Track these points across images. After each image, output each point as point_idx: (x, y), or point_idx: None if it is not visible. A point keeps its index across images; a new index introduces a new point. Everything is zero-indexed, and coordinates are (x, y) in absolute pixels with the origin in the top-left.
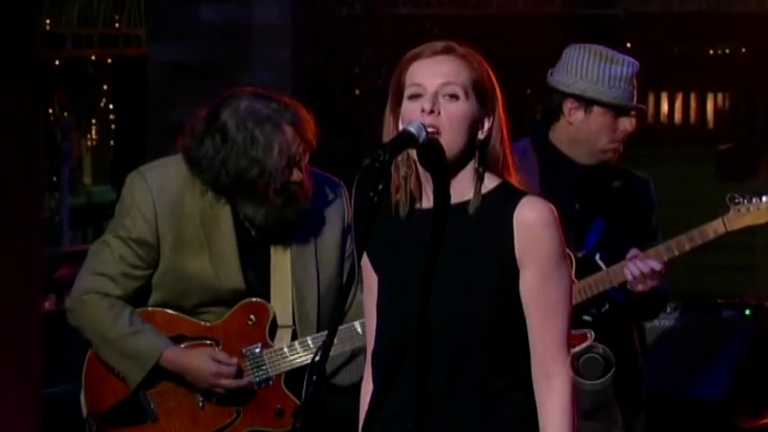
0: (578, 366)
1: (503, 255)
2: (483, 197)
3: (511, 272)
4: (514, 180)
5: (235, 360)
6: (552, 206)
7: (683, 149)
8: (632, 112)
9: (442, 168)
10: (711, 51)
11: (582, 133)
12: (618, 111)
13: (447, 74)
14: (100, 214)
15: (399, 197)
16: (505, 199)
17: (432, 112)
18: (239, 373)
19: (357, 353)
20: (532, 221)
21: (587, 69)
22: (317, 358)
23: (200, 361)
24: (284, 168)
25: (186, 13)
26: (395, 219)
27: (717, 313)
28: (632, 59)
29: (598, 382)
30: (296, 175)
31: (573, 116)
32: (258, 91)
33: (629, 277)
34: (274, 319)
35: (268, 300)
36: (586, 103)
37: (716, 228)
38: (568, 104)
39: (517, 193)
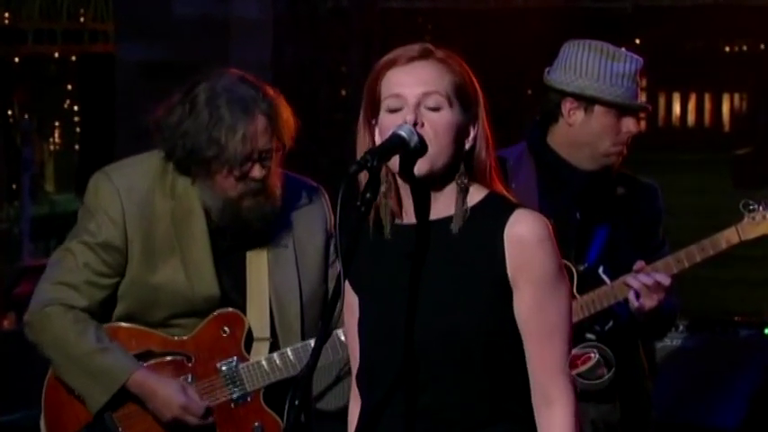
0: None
1: (493, 273)
2: (470, 210)
3: (502, 291)
4: (501, 189)
5: (205, 404)
6: (545, 219)
7: (697, 154)
8: (638, 112)
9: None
10: (728, 48)
11: (582, 135)
12: (621, 110)
13: (427, 82)
14: (64, 225)
15: (381, 214)
16: (495, 212)
17: (415, 124)
18: (207, 413)
19: (342, 377)
20: (525, 238)
21: (587, 66)
22: (301, 380)
23: (171, 391)
24: (244, 159)
25: (157, 6)
26: (374, 235)
27: (733, 332)
28: (635, 55)
29: (598, 382)
30: (257, 170)
31: (572, 117)
32: (244, 76)
33: (634, 292)
34: (250, 331)
35: (244, 310)
36: (587, 102)
37: (729, 237)
38: (567, 104)
39: (507, 205)
